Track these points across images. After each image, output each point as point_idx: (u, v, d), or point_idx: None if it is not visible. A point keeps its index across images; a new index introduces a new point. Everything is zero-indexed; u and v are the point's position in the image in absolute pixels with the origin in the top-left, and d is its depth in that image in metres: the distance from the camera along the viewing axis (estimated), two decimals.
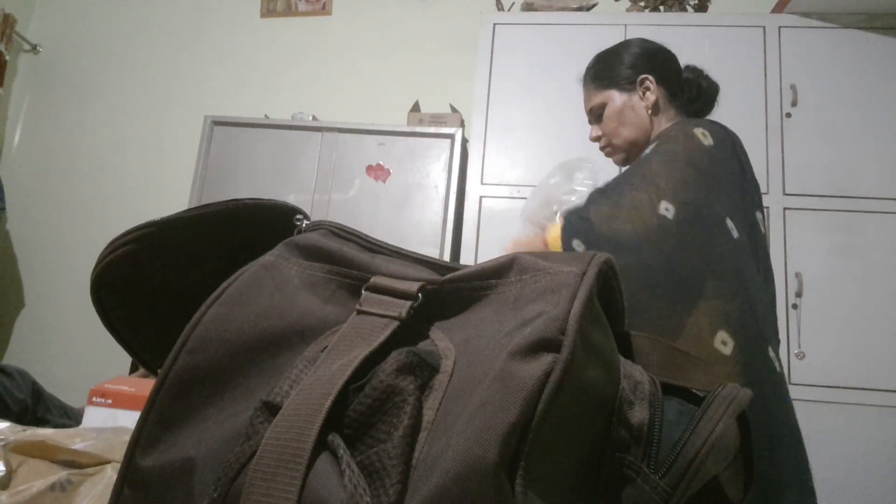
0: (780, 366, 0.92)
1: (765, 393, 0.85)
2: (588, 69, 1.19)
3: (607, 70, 1.14)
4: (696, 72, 1.17)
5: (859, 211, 1.97)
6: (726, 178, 0.95)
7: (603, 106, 1.13)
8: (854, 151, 2.02)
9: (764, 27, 2.15)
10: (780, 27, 2.14)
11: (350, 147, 2.36)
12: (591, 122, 1.18)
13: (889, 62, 2.06)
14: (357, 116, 2.77)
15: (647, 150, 0.98)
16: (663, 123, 1.11)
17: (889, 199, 1.97)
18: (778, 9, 2.18)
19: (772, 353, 0.90)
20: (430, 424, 0.27)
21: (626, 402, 0.32)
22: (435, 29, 2.86)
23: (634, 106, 1.11)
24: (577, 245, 0.88)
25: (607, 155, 1.18)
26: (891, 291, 1.92)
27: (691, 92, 1.15)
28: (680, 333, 0.84)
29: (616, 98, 1.12)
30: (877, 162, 2.00)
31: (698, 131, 0.97)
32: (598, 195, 0.95)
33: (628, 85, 1.12)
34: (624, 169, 1.09)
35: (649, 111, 1.11)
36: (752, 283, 0.91)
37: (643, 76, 1.11)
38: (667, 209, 0.88)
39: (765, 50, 2.13)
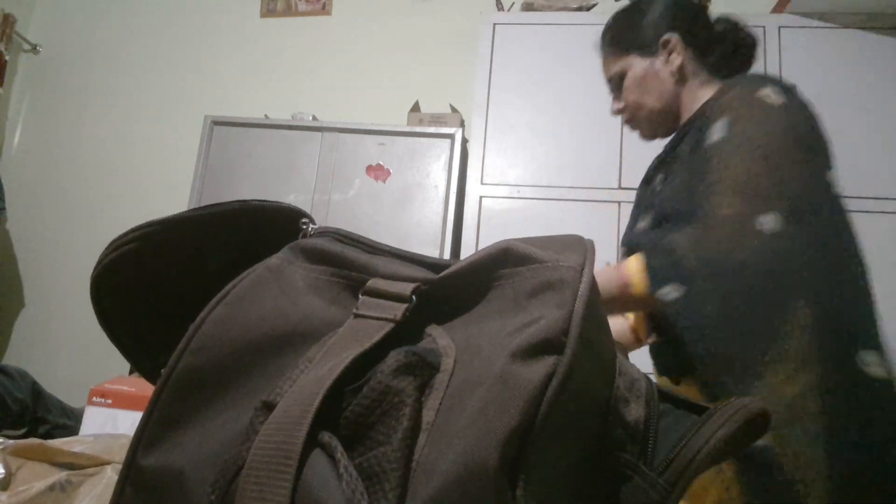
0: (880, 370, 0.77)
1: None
2: (604, 32, 1.05)
3: (625, 32, 1.01)
4: (729, 23, 1.01)
5: (859, 211, 1.97)
6: (811, 139, 0.80)
7: (622, 74, 0.99)
8: (854, 151, 2.02)
9: (764, 27, 2.15)
10: (780, 27, 2.14)
11: (350, 147, 2.36)
12: (612, 93, 1.04)
13: (889, 62, 2.06)
14: (357, 116, 2.77)
15: (711, 130, 0.82)
16: (695, 89, 0.96)
17: (889, 199, 1.97)
18: (778, 9, 2.18)
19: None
20: (430, 426, 0.26)
21: (622, 401, 0.32)
22: (435, 29, 2.86)
23: (658, 72, 0.96)
24: (672, 291, 0.73)
25: (632, 129, 1.04)
26: (891, 291, 1.91)
27: (725, 49, 0.99)
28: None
29: (636, 65, 0.98)
30: (877, 162, 2.00)
31: (762, 93, 0.80)
32: (674, 216, 0.80)
33: (650, 48, 0.97)
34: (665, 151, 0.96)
35: (675, 77, 0.96)
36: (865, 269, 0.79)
37: (666, 37, 0.96)
38: (762, 224, 0.73)
39: (765, 50, 2.13)
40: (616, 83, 1.02)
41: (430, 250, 2.20)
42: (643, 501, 0.29)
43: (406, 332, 0.32)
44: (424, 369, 0.28)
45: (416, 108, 2.60)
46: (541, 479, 0.25)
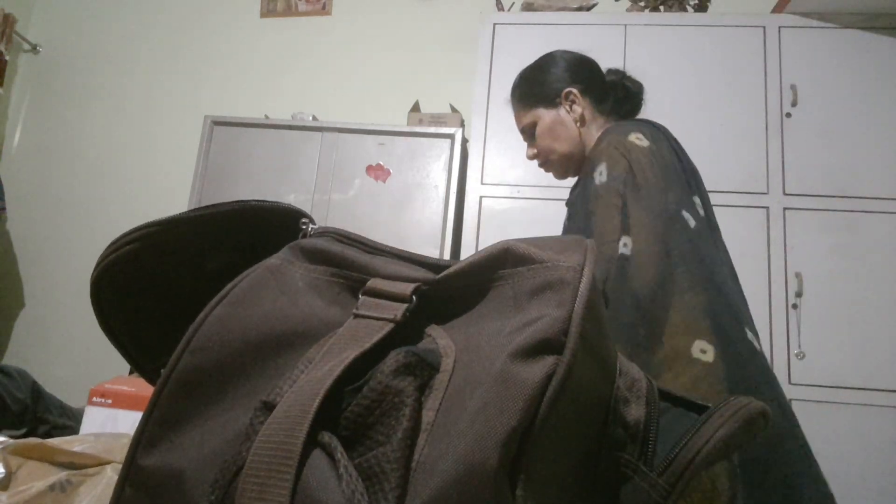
0: (759, 346, 0.92)
1: (759, 390, 0.85)
2: (513, 90, 1.21)
3: (531, 88, 1.16)
4: (619, 74, 1.18)
5: (859, 211, 1.97)
6: (671, 172, 0.96)
7: (533, 125, 1.15)
8: (854, 151, 2.02)
9: (764, 27, 2.15)
10: (780, 27, 2.14)
11: (350, 147, 2.36)
12: (525, 141, 1.20)
13: (889, 62, 2.06)
14: (357, 116, 2.77)
15: (595, 172, 0.99)
16: (594, 132, 1.12)
17: (889, 199, 1.97)
18: (778, 9, 2.18)
19: (749, 335, 0.90)
20: (430, 426, 0.26)
21: (622, 401, 0.31)
22: (435, 29, 2.86)
23: (564, 120, 1.12)
24: None
25: (546, 171, 1.20)
26: (891, 291, 1.92)
27: (618, 95, 1.16)
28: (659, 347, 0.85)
29: (544, 115, 1.14)
30: (877, 162, 2.00)
31: (633, 137, 0.99)
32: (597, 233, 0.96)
33: (554, 100, 1.13)
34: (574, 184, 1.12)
35: (578, 123, 1.12)
36: (718, 270, 0.92)
37: (567, 90, 1.12)
38: (625, 245, 0.89)
39: (765, 50, 2.13)
40: (529, 132, 1.17)
41: (430, 250, 2.20)
42: (643, 501, 0.29)
43: (406, 332, 0.32)
44: (424, 369, 0.28)
45: (416, 108, 2.60)
46: (540, 479, 0.25)
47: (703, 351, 0.83)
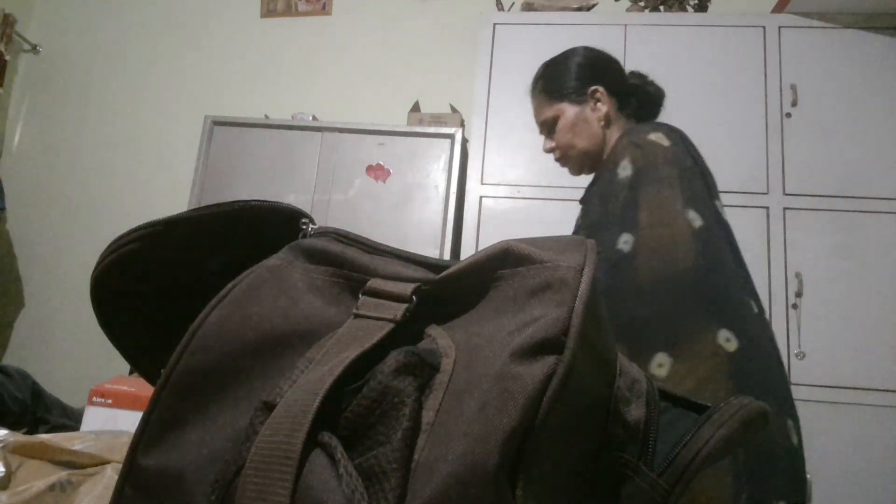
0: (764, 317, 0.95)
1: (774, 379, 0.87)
2: (535, 81, 1.19)
3: (556, 82, 1.15)
4: (641, 77, 1.17)
5: (859, 211, 1.97)
6: (687, 173, 0.97)
7: (555, 119, 1.14)
8: (854, 151, 2.02)
9: (764, 27, 2.15)
10: (780, 27, 2.14)
11: (350, 147, 2.36)
12: (542, 133, 1.20)
13: (889, 62, 2.06)
14: (357, 116, 2.77)
15: (619, 168, 1.00)
16: (615, 133, 1.12)
17: (889, 199, 1.97)
18: (778, 9, 2.18)
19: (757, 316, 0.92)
20: (430, 426, 0.26)
21: (622, 401, 0.32)
22: (435, 29, 2.86)
23: (588, 118, 1.12)
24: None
25: (562, 165, 1.19)
26: (891, 291, 1.92)
27: (639, 98, 1.16)
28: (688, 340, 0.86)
29: (568, 111, 1.13)
30: (877, 162, 2.00)
31: (653, 136, 1.00)
32: (609, 230, 0.96)
33: (579, 97, 1.13)
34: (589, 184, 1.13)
35: (602, 123, 1.12)
36: (728, 269, 0.93)
37: (594, 88, 1.12)
38: (626, 242, 0.92)
39: (765, 50, 2.13)
40: (549, 126, 1.16)
41: (430, 250, 2.20)
42: (643, 502, 0.29)
43: (406, 332, 0.32)
44: (424, 369, 0.28)
45: (416, 108, 2.60)
46: (540, 479, 0.25)
47: (727, 340, 0.85)
